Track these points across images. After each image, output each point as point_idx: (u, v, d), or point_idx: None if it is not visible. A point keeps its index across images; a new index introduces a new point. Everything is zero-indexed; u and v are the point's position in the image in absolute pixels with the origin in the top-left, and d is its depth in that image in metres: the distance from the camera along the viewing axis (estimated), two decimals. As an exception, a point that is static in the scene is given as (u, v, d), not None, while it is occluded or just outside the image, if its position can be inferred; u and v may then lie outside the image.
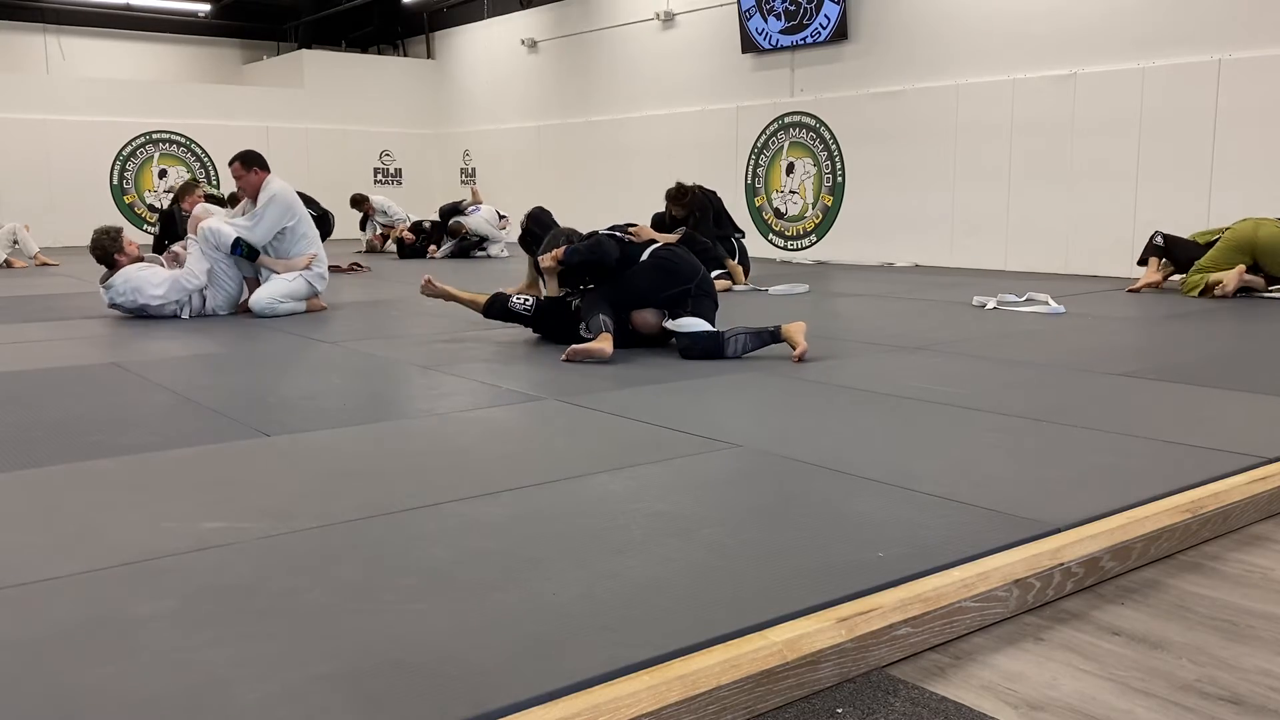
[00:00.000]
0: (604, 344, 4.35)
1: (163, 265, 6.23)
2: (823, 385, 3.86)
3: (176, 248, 6.36)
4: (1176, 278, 7.30)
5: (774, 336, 4.45)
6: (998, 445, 2.89)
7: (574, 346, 4.37)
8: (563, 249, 4.75)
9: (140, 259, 6.18)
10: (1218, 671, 1.63)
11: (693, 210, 7.68)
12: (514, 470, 2.64)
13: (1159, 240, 7.25)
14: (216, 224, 6.18)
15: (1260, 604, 1.90)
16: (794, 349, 4.34)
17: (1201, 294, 6.83)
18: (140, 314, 6.08)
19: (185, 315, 6.14)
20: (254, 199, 6.31)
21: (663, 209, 7.85)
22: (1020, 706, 1.52)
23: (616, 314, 4.55)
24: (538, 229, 5.25)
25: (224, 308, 6.32)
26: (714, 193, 8.10)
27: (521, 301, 4.93)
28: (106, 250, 6.09)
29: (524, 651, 1.56)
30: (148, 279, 6.02)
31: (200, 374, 4.31)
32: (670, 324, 4.60)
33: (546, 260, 4.83)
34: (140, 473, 2.69)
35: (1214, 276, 6.78)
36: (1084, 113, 8.70)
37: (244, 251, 6.18)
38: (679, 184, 7.76)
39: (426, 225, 12.24)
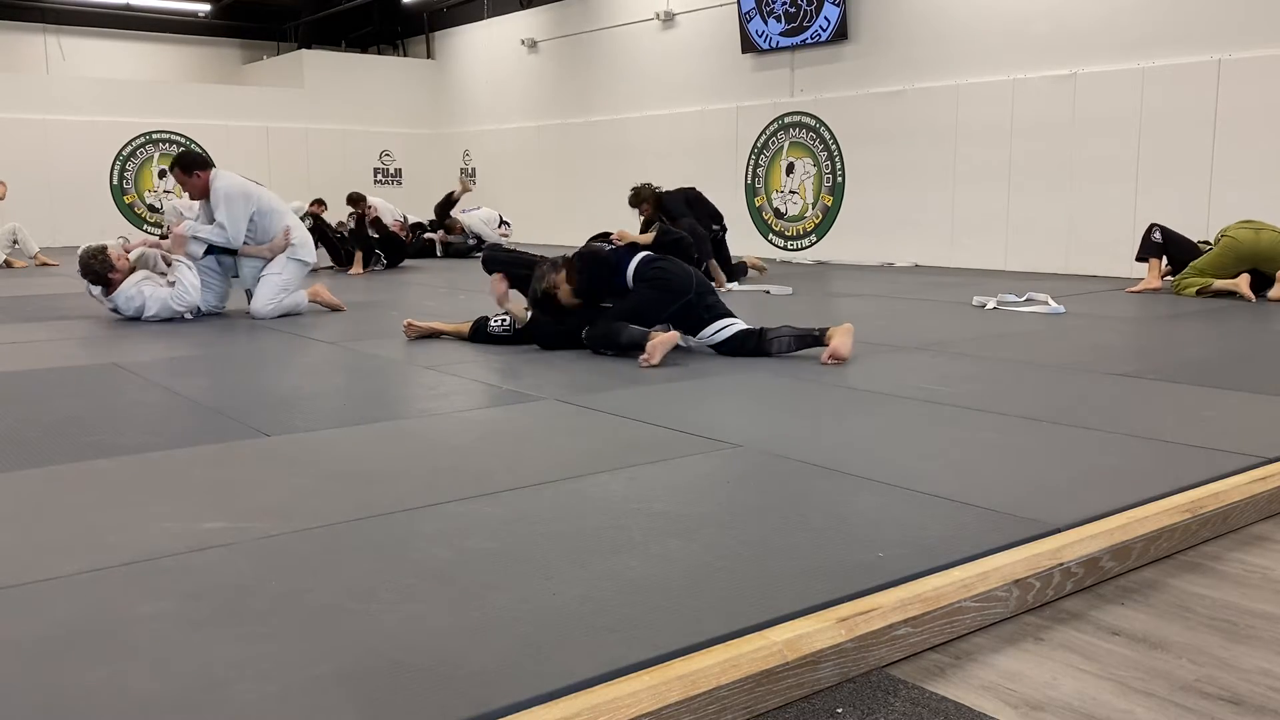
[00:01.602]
0: (663, 339, 4.27)
1: (151, 270, 6.20)
2: (823, 385, 3.86)
3: (157, 249, 6.32)
4: (1170, 278, 7.30)
5: (818, 339, 4.34)
6: (998, 445, 2.89)
7: (656, 348, 4.24)
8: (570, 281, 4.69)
9: (134, 269, 6.13)
10: (1218, 671, 1.63)
11: (658, 205, 7.72)
12: (514, 470, 2.64)
13: (1157, 236, 7.21)
14: (190, 249, 6.16)
15: (1260, 604, 1.90)
16: (829, 348, 4.24)
17: (1199, 293, 6.82)
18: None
19: (188, 315, 6.14)
20: (206, 199, 6.24)
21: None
22: (1020, 706, 1.52)
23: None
24: (522, 271, 5.16)
25: (216, 305, 6.38)
26: (691, 188, 8.07)
27: (500, 324, 4.92)
28: (99, 273, 6.02)
29: (524, 651, 1.56)
30: (148, 298, 6.00)
31: (200, 374, 4.31)
32: (696, 341, 4.60)
33: (564, 296, 4.67)
34: (140, 473, 2.69)
35: (1220, 284, 6.76)
36: (1084, 113, 8.70)
37: (219, 252, 6.22)
38: (632, 190, 7.82)
39: (427, 224, 12.25)
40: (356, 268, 9.79)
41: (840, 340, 4.26)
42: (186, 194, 6.49)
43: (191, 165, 6.17)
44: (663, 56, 12.68)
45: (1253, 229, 6.77)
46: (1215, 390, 3.68)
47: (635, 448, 2.88)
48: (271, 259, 6.31)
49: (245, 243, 6.26)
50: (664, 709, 1.39)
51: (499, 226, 12.11)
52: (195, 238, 6.13)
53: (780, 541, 2.06)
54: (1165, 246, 7.21)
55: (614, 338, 4.49)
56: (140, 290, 5.99)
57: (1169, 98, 8.14)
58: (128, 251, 6.17)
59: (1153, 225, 7.29)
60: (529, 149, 14.94)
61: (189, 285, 6.05)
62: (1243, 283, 6.65)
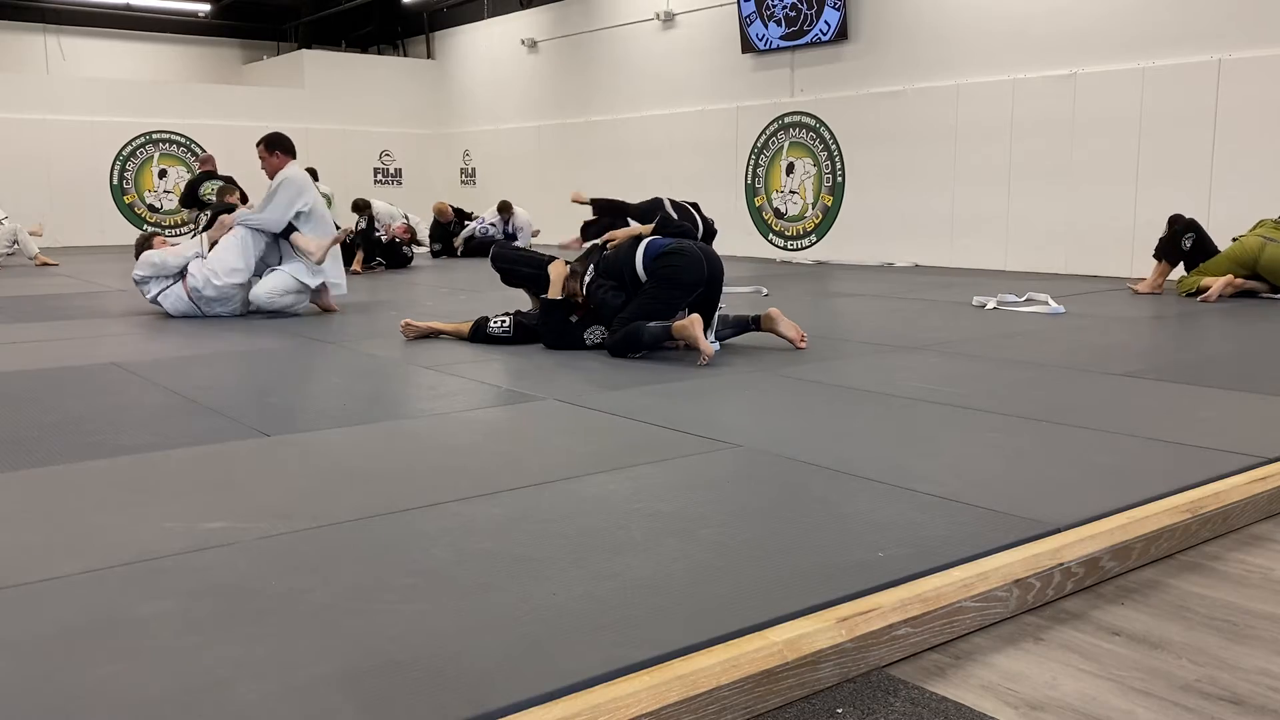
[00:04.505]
0: (691, 326, 4.28)
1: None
2: (823, 385, 3.86)
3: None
4: (1174, 275, 7.29)
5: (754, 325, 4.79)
6: (998, 445, 2.89)
7: (696, 341, 4.26)
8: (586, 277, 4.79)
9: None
10: (1218, 671, 1.63)
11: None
12: (514, 470, 2.64)
13: (1186, 245, 6.98)
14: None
15: (1260, 604, 1.90)
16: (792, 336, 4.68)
17: (1190, 295, 6.83)
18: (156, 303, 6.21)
19: (176, 308, 6.15)
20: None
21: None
22: (1020, 706, 1.52)
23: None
24: (528, 269, 5.16)
25: (239, 282, 6.27)
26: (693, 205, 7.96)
27: (499, 325, 4.92)
28: (139, 251, 6.49)
29: (524, 651, 1.56)
30: (141, 263, 6.23)
31: (200, 374, 4.31)
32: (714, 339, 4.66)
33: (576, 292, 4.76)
34: (140, 473, 2.69)
35: (1205, 282, 6.77)
36: (1084, 113, 8.70)
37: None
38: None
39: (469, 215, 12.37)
40: (356, 265, 9.83)
41: (785, 324, 4.74)
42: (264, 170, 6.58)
43: (275, 145, 6.39)
44: (663, 56, 12.68)
45: (1260, 240, 6.71)
46: (1215, 390, 3.68)
47: (635, 448, 2.88)
48: (316, 253, 6.23)
49: (294, 227, 6.26)
50: (664, 709, 1.39)
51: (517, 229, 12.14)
52: (243, 224, 6.29)
53: (780, 541, 2.06)
54: (1193, 256, 7.01)
55: (636, 339, 4.44)
56: (143, 260, 6.21)
57: (1169, 98, 8.15)
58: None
59: (1189, 227, 7.06)
60: (529, 149, 14.94)
61: (174, 264, 6.19)
62: (1211, 280, 6.68)
